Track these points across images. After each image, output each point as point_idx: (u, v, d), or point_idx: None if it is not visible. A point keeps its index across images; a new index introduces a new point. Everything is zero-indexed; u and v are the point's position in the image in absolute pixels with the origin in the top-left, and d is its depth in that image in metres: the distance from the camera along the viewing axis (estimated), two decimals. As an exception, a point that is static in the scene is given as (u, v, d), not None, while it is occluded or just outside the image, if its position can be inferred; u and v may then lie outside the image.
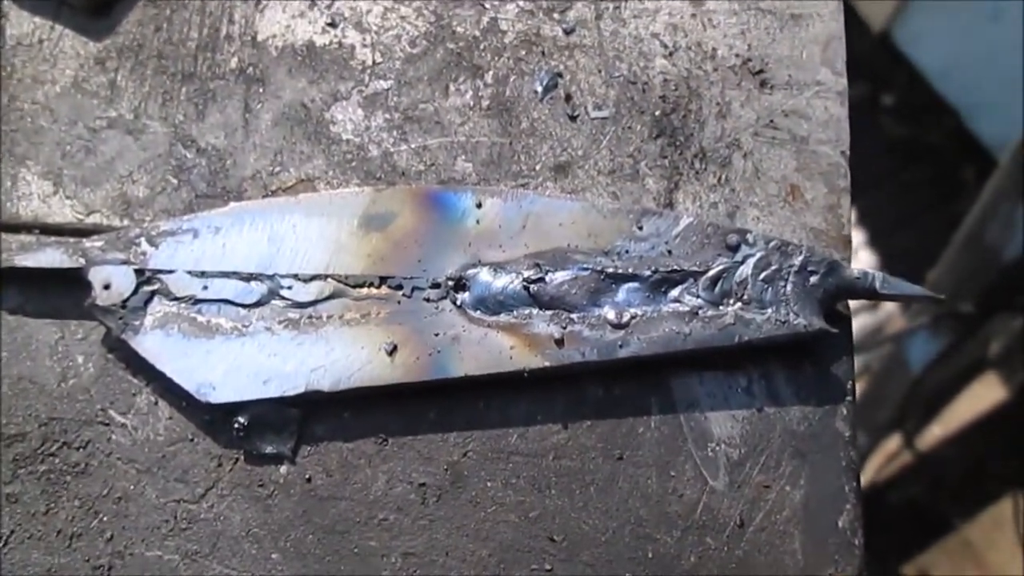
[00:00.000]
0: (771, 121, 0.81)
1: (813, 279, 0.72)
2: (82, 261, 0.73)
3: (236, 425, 0.71)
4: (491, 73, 0.83)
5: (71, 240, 0.74)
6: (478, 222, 0.74)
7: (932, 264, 2.11)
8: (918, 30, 2.51)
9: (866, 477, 2.23)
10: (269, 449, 0.72)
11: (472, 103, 0.82)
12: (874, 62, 2.57)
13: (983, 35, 2.33)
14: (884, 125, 2.68)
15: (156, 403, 0.73)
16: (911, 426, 2.26)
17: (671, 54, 0.83)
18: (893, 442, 2.30)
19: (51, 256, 0.73)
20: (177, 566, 0.70)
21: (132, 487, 0.72)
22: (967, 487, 2.27)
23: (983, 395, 2.26)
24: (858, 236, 2.43)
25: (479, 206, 0.74)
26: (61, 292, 0.74)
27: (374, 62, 0.83)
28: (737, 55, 0.83)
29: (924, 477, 2.27)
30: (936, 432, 2.27)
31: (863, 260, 2.46)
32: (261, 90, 0.82)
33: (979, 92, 2.47)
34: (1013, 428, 2.19)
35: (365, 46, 0.84)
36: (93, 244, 0.73)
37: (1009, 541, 2.11)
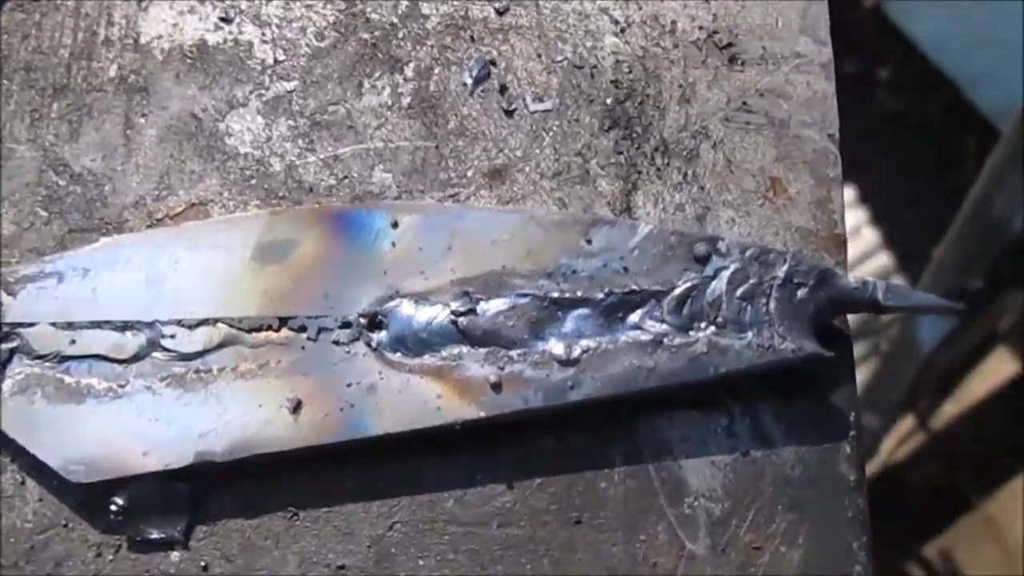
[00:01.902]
0: (744, 103, 0.68)
1: (801, 293, 0.60)
2: (-74, 318, 0.61)
3: (113, 507, 0.59)
4: (412, 65, 0.70)
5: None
6: (394, 245, 0.62)
7: (937, 241, 2.03)
8: (911, 1, 2.43)
9: (880, 460, 2.21)
10: (156, 534, 0.60)
11: (390, 102, 0.69)
12: (867, 36, 2.51)
13: (978, 3, 2.23)
14: (880, 100, 2.63)
15: (23, 483, 0.61)
16: (924, 406, 2.20)
17: (623, 30, 0.70)
18: (907, 423, 2.24)
19: None
20: None
21: (-3, 586, 0.60)
22: (984, 464, 2.19)
23: (996, 370, 2.22)
24: (857, 216, 2.36)
25: (395, 226, 0.62)
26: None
27: (275, 60, 0.71)
28: (701, 28, 0.70)
29: (940, 456, 2.21)
30: (950, 410, 2.20)
31: (866, 239, 2.38)
32: (145, 101, 0.70)
33: (977, 61, 2.41)
34: None
35: (265, 42, 0.71)
36: (-61, 296, 0.62)
37: None
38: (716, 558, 0.59)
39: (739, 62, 0.69)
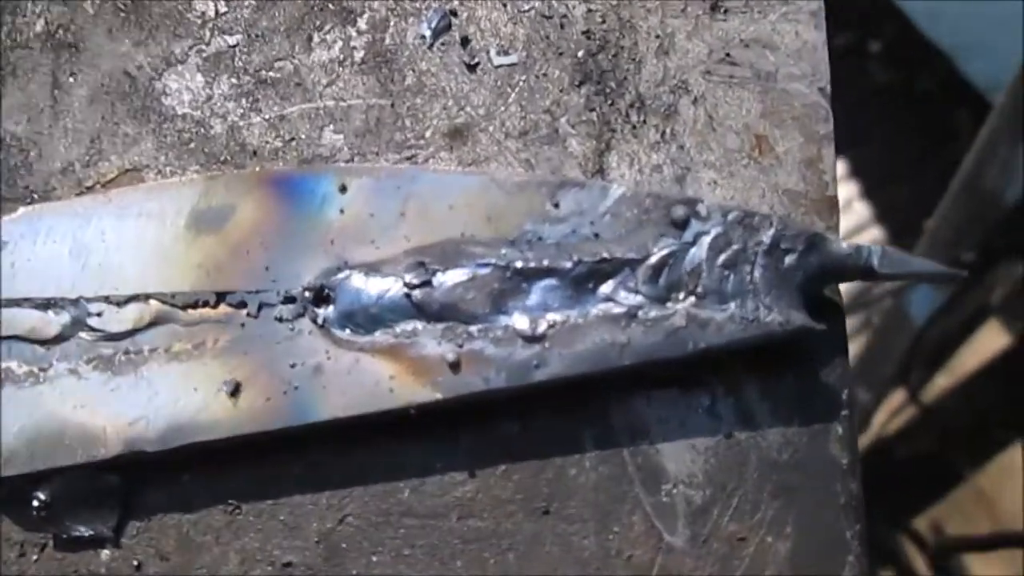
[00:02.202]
0: (727, 55, 0.63)
1: (789, 259, 0.54)
2: None
3: (35, 502, 0.54)
4: (365, 17, 0.64)
5: None
6: (342, 211, 0.56)
7: (929, 215, 2.01)
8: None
9: (872, 432, 2.21)
10: (84, 531, 0.55)
11: (342, 57, 0.64)
12: (860, 8, 2.48)
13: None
14: (872, 72, 2.61)
15: (-62, 477, 0.56)
16: (915, 379, 2.18)
17: (595, -23, 0.64)
18: (898, 396, 2.23)
19: None
20: None
21: (-89, 590, 0.55)
22: (975, 437, 2.21)
23: (987, 343, 2.19)
24: (849, 190, 2.34)
25: (343, 190, 0.56)
26: None
27: (217, 13, 0.65)
28: (680, -27, 0.64)
29: (931, 430, 2.20)
30: (941, 384, 2.19)
31: (857, 213, 2.36)
32: (74, 58, 0.64)
33: (969, 33, 2.38)
34: (1018, 375, 2.10)
35: (205, -7, 0.65)
36: None
37: (1020, 488, 2.01)
38: (697, 550, 0.54)
39: (722, 10, 0.64)
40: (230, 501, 0.56)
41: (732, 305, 0.54)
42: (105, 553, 0.55)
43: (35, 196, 0.61)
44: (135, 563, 0.55)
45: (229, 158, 0.62)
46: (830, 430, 0.56)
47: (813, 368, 0.56)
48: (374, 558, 0.54)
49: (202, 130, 0.62)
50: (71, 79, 0.64)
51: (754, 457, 0.55)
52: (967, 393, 2.14)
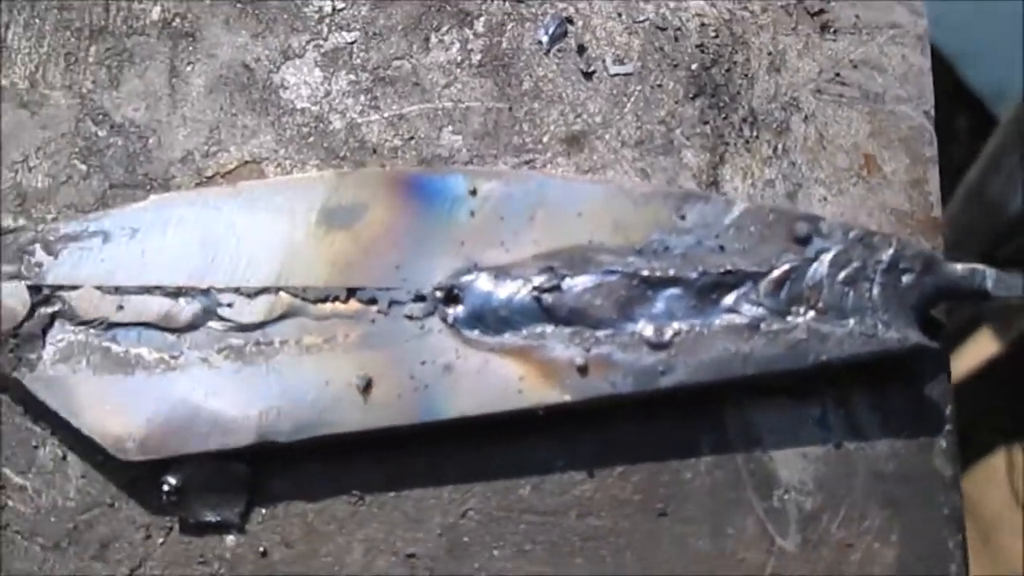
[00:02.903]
0: (837, 74, 0.65)
1: (906, 279, 0.56)
2: (-42, 277, 0.56)
3: (166, 487, 0.55)
4: (483, 20, 0.66)
5: (-55, 249, 0.57)
6: (473, 214, 0.57)
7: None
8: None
9: None
10: (211, 516, 0.56)
11: (460, 59, 0.65)
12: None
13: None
14: None
15: (64, 458, 0.57)
16: None
17: (709, -9, 0.66)
18: None
19: (-82, 271, 0.56)
20: (97, 670, 0.54)
21: (36, 568, 0.56)
22: (961, 442, 2.20)
23: (977, 351, 2.20)
24: None
25: (473, 193, 0.58)
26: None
27: (334, 9, 0.66)
28: (791, -9, 0.66)
29: None
30: None
31: None
32: (192, 48, 0.65)
33: (972, 41, 2.37)
34: (1006, 383, 2.14)
35: (322, -12, 0.66)
36: (-28, 254, 0.57)
37: (1003, 494, 2.01)
38: (807, 554, 0.56)
39: (831, 30, 0.65)
40: (354, 492, 0.57)
41: (852, 321, 0.56)
42: (230, 539, 0.56)
43: (154, 184, 0.62)
44: (260, 549, 0.56)
45: (348, 154, 0.63)
46: (934, 444, 0.58)
47: (919, 384, 0.59)
48: (495, 552, 0.56)
49: (321, 125, 0.63)
50: (189, 68, 0.64)
51: (862, 467, 0.58)
52: (957, 398, 2.19)
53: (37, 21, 0.65)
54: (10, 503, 0.56)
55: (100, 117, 0.63)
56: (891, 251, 0.56)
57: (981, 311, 2.22)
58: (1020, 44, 1.95)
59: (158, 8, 0.66)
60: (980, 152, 1.92)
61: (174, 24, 0.65)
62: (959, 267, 0.57)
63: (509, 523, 0.57)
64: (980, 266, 0.56)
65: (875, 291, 0.56)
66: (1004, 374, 2.13)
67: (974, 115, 2.31)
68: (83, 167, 0.62)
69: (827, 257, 0.56)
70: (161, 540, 0.56)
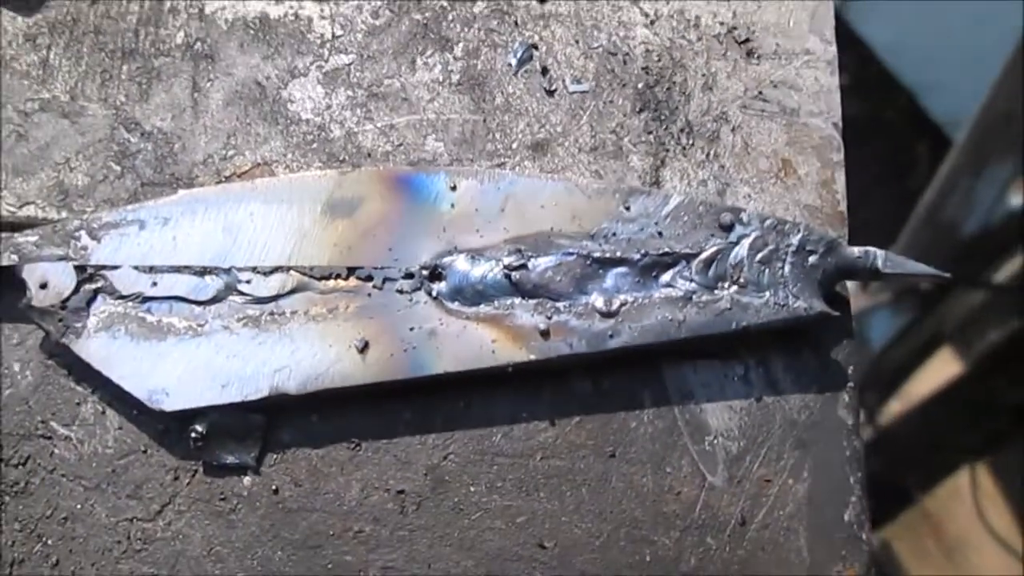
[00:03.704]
0: (759, 93, 0.77)
1: (812, 259, 0.68)
2: (15, 258, 0.66)
3: (193, 434, 0.65)
4: (461, 46, 0.77)
5: (2, 235, 0.67)
6: (453, 206, 0.68)
7: (888, 240, 2.10)
8: (870, 7, 2.51)
9: None
10: (231, 459, 0.66)
11: (441, 78, 0.76)
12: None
13: (935, 12, 2.33)
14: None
15: (103, 412, 0.67)
16: (872, 402, 2.25)
17: (652, 23, 0.78)
18: None
19: (-21, 253, 0.66)
20: (132, 591, 0.64)
21: (79, 506, 0.65)
22: (925, 460, 2.27)
23: (940, 370, 2.27)
24: None
25: (453, 188, 0.69)
26: (-8, 293, 0.67)
27: (334, 35, 0.77)
28: (722, 23, 0.78)
29: (884, 451, 2.26)
30: (895, 407, 2.26)
31: None
32: (210, 67, 0.76)
33: (931, 69, 2.48)
34: (968, 402, 2.21)
35: (323, 18, 0.77)
36: (27, 239, 0.66)
37: (967, 511, 2.12)
38: (733, 489, 0.67)
39: (755, 56, 0.78)
40: (352, 439, 0.67)
41: (767, 293, 0.67)
42: (247, 479, 0.66)
43: (180, 182, 0.72)
44: (273, 488, 0.66)
45: (347, 158, 0.74)
46: (839, 397, 0.69)
47: (827, 348, 0.70)
48: (472, 488, 0.66)
49: (323, 133, 0.74)
50: (208, 84, 0.75)
51: (779, 417, 0.69)
52: (920, 418, 2.21)
53: (75, 44, 0.76)
54: (56, 451, 0.66)
55: (132, 125, 0.73)
56: (799, 236, 0.68)
57: (943, 332, 2.30)
58: (976, 73, 2.06)
59: (181, 33, 0.76)
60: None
61: (195, 47, 0.76)
62: (856, 249, 0.68)
63: (483, 464, 0.67)
64: (873, 248, 0.68)
65: (786, 269, 0.68)
66: (965, 393, 2.22)
67: (933, 143, 2.42)
68: (117, 168, 0.72)
69: (747, 241, 0.68)
70: (187, 481, 0.66)
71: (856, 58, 2.58)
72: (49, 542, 0.64)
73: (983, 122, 1.91)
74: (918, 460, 2.28)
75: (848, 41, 2.54)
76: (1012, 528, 2.05)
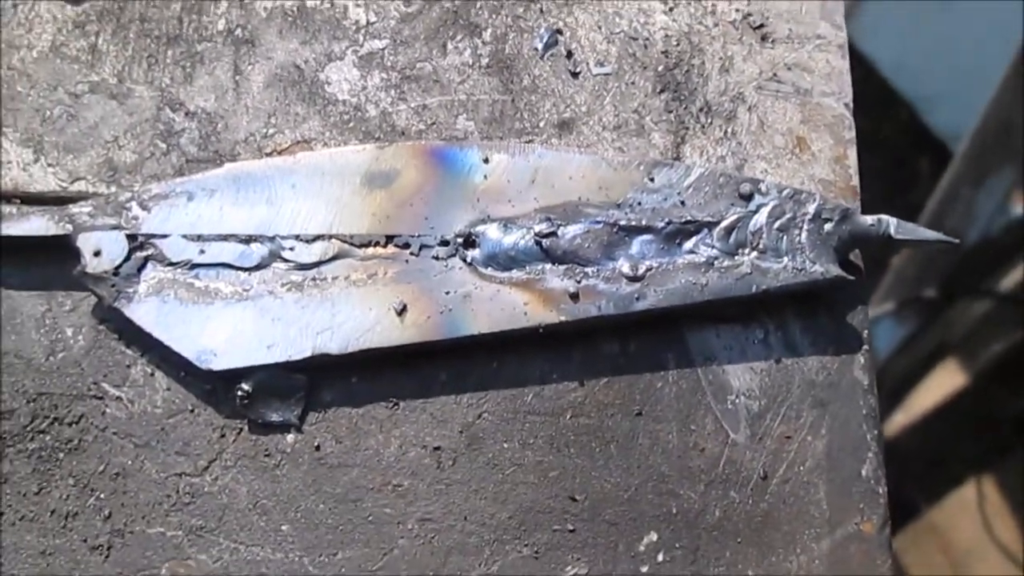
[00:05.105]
0: (774, 75, 0.80)
1: (828, 226, 0.71)
2: (69, 228, 0.69)
3: (239, 393, 0.68)
4: (489, 31, 0.81)
5: (56, 207, 0.70)
6: (485, 177, 0.72)
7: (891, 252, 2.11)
8: (871, 23, 2.55)
9: None
10: (275, 417, 0.69)
11: (471, 61, 0.80)
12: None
13: (935, 28, 2.36)
14: None
15: (152, 374, 0.70)
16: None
17: (671, 9, 0.82)
18: None
19: (36, 224, 0.69)
20: (181, 542, 0.67)
21: (130, 462, 0.68)
22: (931, 472, 2.26)
23: (944, 381, 2.28)
24: None
25: (486, 161, 0.72)
26: (46, 262, 0.70)
27: (368, 22, 0.81)
28: (737, 10, 0.82)
29: (889, 464, 2.25)
30: (900, 419, 2.27)
31: None
32: (251, 52, 0.79)
33: (932, 84, 2.51)
34: (973, 413, 2.22)
35: (358, 6, 0.81)
36: (81, 210, 0.70)
37: (973, 523, 2.13)
38: (755, 445, 0.70)
39: (770, 40, 0.81)
40: (390, 399, 0.70)
41: (785, 259, 0.71)
42: (290, 436, 0.69)
43: (223, 159, 0.76)
44: (315, 444, 0.69)
45: (381, 136, 0.77)
46: (855, 359, 0.73)
47: (842, 312, 0.73)
48: (505, 445, 0.69)
49: (359, 113, 0.78)
50: (249, 67, 0.79)
51: (797, 377, 0.72)
52: (925, 430, 2.23)
53: (122, 31, 0.79)
54: (108, 410, 0.69)
55: (177, 106, 0.77)
56: (815, 204, 0.72)
57: (948, 342, 2.30)
58: (977, 88, 2.10)
59: (223, 21, 0.80)
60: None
61: (236, 33, 0.80)
62: (868, 217, 0.72)
63: (516, 422, 0.70)
64: (885, 216, 0.71)
65: (803, 236, 0.71)
66: (970, 405, 2.24)
67: (935, 157, 2.46)
68: (163, 145, 0.76)
69: (765, 210, 0.71)
70: (233, 439, 0.69)
71: (857, 74, 2.62)
72: (102, 496, 0.67)
73: (983, 133, 1.94)
74: (923, 473, 2.27)
75: (849, 57, 2.58)
76: (1019, 540, 2.06)
